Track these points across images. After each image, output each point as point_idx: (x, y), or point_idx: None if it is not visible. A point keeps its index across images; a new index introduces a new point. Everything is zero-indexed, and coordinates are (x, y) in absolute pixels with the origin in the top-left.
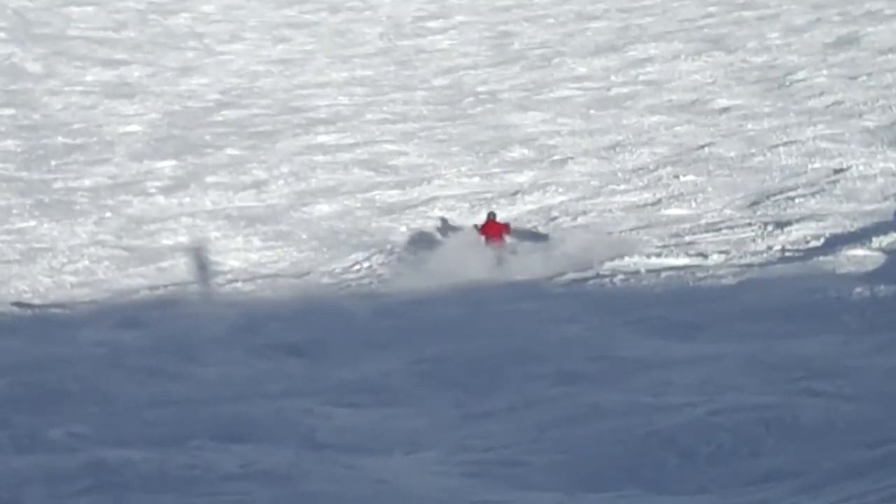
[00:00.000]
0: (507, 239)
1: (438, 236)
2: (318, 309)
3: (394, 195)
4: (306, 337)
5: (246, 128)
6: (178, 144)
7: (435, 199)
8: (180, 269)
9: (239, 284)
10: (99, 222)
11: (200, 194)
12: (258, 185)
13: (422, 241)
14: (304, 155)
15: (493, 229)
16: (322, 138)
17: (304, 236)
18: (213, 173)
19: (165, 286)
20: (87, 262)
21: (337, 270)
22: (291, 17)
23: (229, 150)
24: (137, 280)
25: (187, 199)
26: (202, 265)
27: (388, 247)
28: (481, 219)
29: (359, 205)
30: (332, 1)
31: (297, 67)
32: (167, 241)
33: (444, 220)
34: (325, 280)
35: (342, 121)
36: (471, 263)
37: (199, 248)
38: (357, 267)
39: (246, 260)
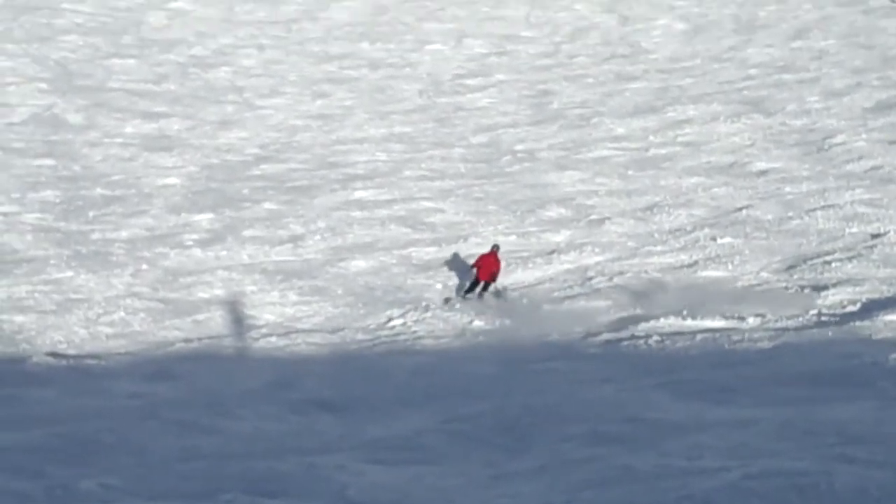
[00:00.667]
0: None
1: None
2: (352, 365)
3: (430, 252)
4: (340, 393)
5: (284, 182)
6: (215, 197)
7: (471, 256)
8: (216, 322)
9: (274, 339)
10: (135, 274)
11: (237, 248)
12: (295, 239)
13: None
14: (341, 210)
15: (486, 266)
16: (359, 194)
17: (339, 292)
18: (250, 227)
19: (200, 339)
20: (122, 314)
21: (372, 327)
22: (331, 72)
23: (267, 205)
24: (173, 332)
25: (224, 253)
26: (237, 319)
27: (424, 304)
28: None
29: (395, 261)
30: (372, 57)
31: (336, 123)
32: (203, 294)
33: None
34: (360, 336)
35: (380, 177)
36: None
37: (234, 301)
38: (392, 324)
39: (281, 314)
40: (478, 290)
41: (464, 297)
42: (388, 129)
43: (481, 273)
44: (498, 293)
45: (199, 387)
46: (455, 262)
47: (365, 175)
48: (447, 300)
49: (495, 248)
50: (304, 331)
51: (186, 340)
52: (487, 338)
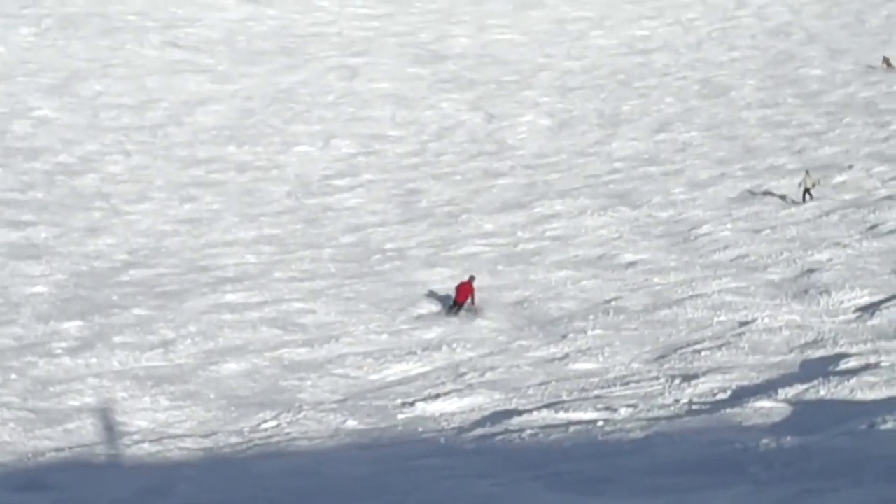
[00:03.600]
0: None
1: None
2: (225, 469)
3: (302, 353)
4: (213, 498)
5: (153, 287)
6: (84, 305)
7: (343, 356)
8: (87, 430)
9: (146, 445)
10: (4, 384)
11: (107, 354)
12: (166, 344)
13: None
14: (211, 314)
15: (465, 291)
16: (230, 297)
17: (211, 395)
18: (119, 333)
19: (72, 448)
20: None
21: (245, 430)
22: (199, 176)
23: (136, 310)
24: (43, 442)
25: (94, 360)
26: (109, 426)
27: (297, 405)
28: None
29: (267, 363)
30: (240, 160)
31: (205, 226)
32: (73, 403)
33: None
34: (233, 439)
35: (250, 279)
36: None
37: (105, 408)
38: (265, 426)
39: (153, 420)
40: (455, 309)
41: (447, 315)
42: (257, 232)
43: (459, 297)
44: (471, 309)
45: (71, 496)
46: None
47: (235, 278)
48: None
49: (471, 278)
50: (176, 436)
51: (57, 450)
52: (361, 437)
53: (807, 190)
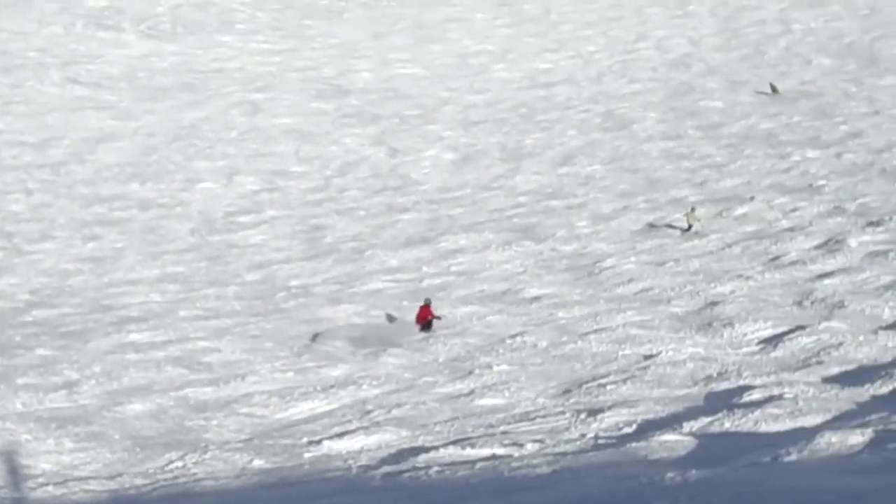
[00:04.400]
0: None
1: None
2: None
3: (207, 392)
4: None
5: (57, 327)
6: None
7: (249, 395)
8: None
9: (50, 488)
10: None
11: (10, 396)
12: (69, 385)
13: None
14: (115, 354)
15: (424, 314)
16: (134, 336)
17: (116, 437)
18: (23, 375)
19: None
20: None
21: (150, 471)
22: (101, 214)
23: (40, 351)
24: None
25: None
26: (12, 469)
27: (203, 445)
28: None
29: (172, 403)
30: (143, 197)
31: (108, 265)
32: None
33: None
34: (139, 481)
35: (154, 318)
36: None
37: (9, 451)
38: (171, 466)
39: (58, 462)
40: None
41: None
42: (161, 270)
43: (420, 319)
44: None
45: None
46: None
47: (139, 317)
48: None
49: (427, 302)
50: (81, 478)
51: None
52: (267, 476)
53: (689, 223)
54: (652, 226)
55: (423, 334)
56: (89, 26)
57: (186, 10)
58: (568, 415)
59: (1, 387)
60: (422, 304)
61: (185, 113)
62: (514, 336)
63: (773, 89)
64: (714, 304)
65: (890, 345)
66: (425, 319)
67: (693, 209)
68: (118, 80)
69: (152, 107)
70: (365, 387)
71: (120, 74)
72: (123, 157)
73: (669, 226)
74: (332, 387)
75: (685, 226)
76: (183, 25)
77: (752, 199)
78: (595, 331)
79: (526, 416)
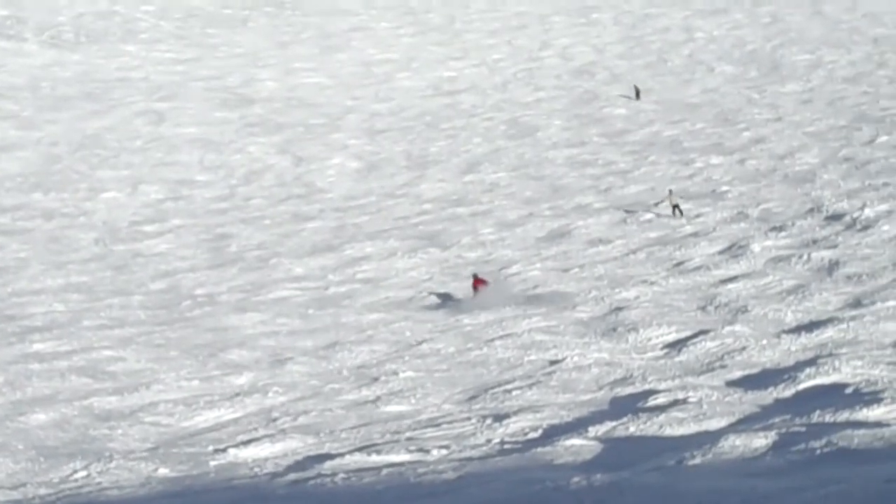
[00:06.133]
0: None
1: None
2: None
3: (112, 402)
4: None
5: None
6: None
7: (154, 404)
8: None
9: None
10: None
11: None
12: None
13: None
14: (19, 364)
15: (477, 282)
16: (38, 346)
17: (20, 447)
18: None
19: None
20: None
21: (55, 480)
22: (4, 224)
23: None
24: None
25: None
26: None
27: (107, 454)
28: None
29: (76, 413)
30: (46, 207)
31: (11, 275)
32: None
33: None
34: (43, 491)
35: (58, 328)
36: None
37: None
38: (75, 476)
39: None
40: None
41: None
42: (64, 279)
43: (476, 284)
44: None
45: None
46: None
47: (43, 327)
48: None
49: (475, 276)
50: None
51: None
52: (173, 485)
53: (675, 206)
54: (653, 211)
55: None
56: None
57: (89, 20)
58: (474, 420)
59: None
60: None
61: (88, 122)
62: (419, 343)
63: (637, 93)
64: (619, 309)
65: (793, 348)
66: (481, 282)
67: (671, 191)
68: (20, 89)
69: (55, 116)
70: (270, 394)
71: (22, 84)
72: (26, 167)
73: (661, 204)
74: (237, 395)
75: (669, 210)
76: (86, 35)
77: (656, 205)
78: (500, 336)
79: (432, 423)
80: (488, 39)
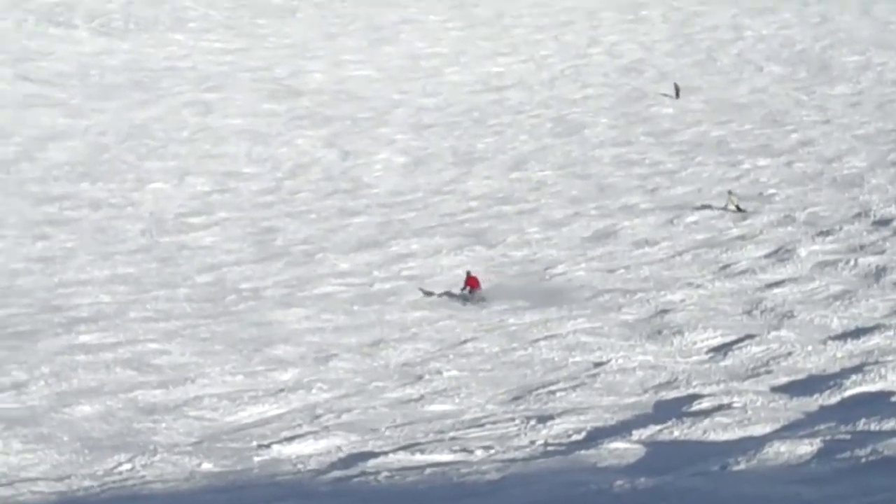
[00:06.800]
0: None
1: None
2: None
3: (157, 395)
4: None
5: (5, 328)
6: None
7: (199, 398)
8: None
9: None
10: None
11: None
12: (18, 386)
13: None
14: (65, 355)
15: (471, 281)
16: (84, 338)
17: (65, 438)
18: None
19: None
20: None
21: (99, 473)
22: (52, 213)
23: None
24: None
25: None
26: None
27: (151, 447)
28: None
29: (121, 405)
30: (93, 197)
31: (58, 265)
32: None
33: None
34: (87, 483)
35: (104, 319)
36: None
37: None
38: (119, 469)
39: (5, 464)
40: (471, 296)
41: (463, 303)
42: (111, 271)
43: (470, 283)
44: (478, 297)
45: None
46: None
47: (89, 318)
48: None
49: (469, 273)
50: (29, 479)
51: None
52: (216, 480)
53: (737, 207)
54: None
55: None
56: (41, 23)
57: (139, 7)
58: (517, 421)
59: None
60: (470, 274)
61: (136, 112)
62: (464, 342)
63: (677, 92)
64: (664, 312)
65: (839, 355)
66: (476, 283)
67: (731, 192)
68: (69, 77)
69: (103, 105)
70: (315, 391)
71: (71, 72)
72: (74, 156)
73: (725, 208)
74: (281, 390)
75: (732, 208)
76: (135, 23)
77: (703, 206)
78: (545, 337)
79: (475, 423)
80: (536, 35)
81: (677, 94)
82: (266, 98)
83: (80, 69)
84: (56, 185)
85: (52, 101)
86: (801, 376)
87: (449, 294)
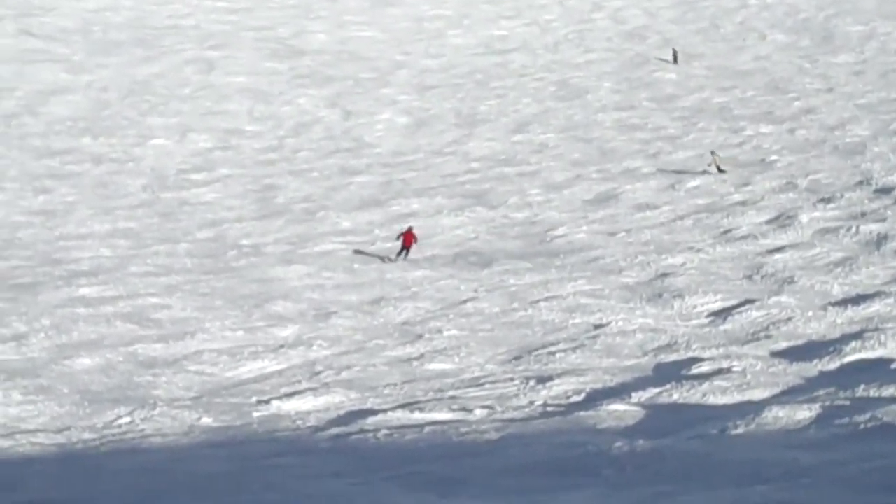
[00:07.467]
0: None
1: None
2: (78, 465)
3: (157, 349)
4: (65, 494)
5: (6, 280)
6: None
7: (199, 353)
8: None
9: None
10: None
11: None
12: (18, 337)
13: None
14: (65, 307)
15: (409, 238)
16: (84, 291)
17: (65, 390)
18: None
19: None
20: None
21: (98, 425)
22: (53, 167)
23: None
24: None
25: None
26: None
27: (151, 401)
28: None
29: (121, 359)
30: (95, 152)
31: (59, 219)
32: None
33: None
34: (86, 435)
35: (104, 273)
36: None
37: None
38: (119, 422)
39: (5, 415)
40: (403, 254)
41: (394, 260)
42: (112, 225)
43: (406, 242)
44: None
45: None
46: None
47: (89, 271)
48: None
49: (410, 228)
50: (28, 431)
51: None
52: (215, 435)
53: (718, 168)
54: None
55: (399, 258)
56: None
57: None
58: (517, 381)
59: None
60: (406, 230)
61: (138, 68)
62: (464, 301)
63: (675, 57)
64: (665, 275)
65: (839, 321)
66: (411, 242)
67: (713, 152)
68: (72, 33)
69: (106, 61)
70: (315, 348)
71: (74, 27)
72: (76, 111)
73: (706, 169)
74: (281, 347)
75: (713, 169)
76: None
77: (703, 172)
78: (545, 299)
79: (475, 382)
80: None
81: (675, 60)
82: (269, 57)
83: (83, 25)
84: (58, 139)
85: (55, 56)
86: (800, 342)
87: (381, 258)
